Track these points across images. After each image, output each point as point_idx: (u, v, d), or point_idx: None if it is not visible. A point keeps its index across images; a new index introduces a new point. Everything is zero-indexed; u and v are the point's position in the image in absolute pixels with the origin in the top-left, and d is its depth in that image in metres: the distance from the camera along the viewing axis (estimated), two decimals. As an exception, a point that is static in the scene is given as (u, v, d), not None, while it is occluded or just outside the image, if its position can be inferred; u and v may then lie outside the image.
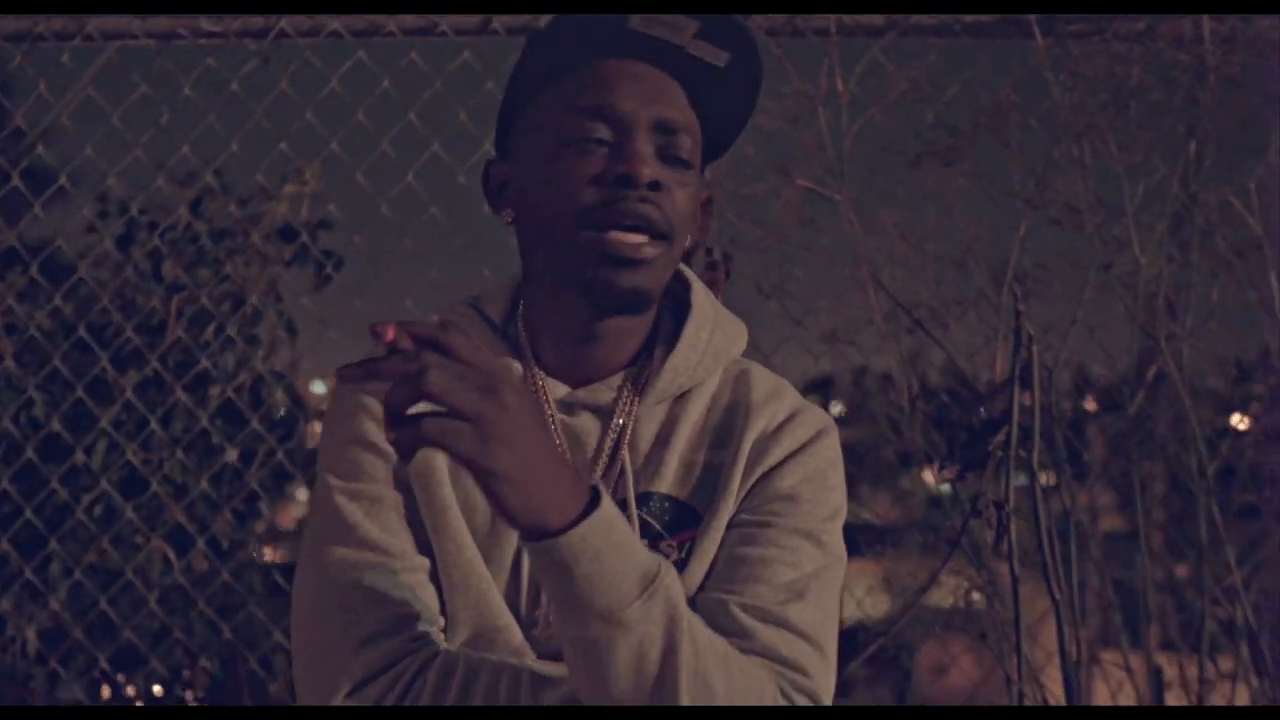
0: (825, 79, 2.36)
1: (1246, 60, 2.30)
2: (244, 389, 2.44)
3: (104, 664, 2.36)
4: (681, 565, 1.19)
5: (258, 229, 2.66)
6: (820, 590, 1.19)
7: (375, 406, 1.18)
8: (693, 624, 1.05)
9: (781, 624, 1.15)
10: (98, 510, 2.38)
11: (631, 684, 1.03)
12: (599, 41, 1.16)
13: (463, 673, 1.11)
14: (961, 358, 2.34)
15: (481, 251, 2.44)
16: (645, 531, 1.19)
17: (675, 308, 1.27)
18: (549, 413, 1.21)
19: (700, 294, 1.27)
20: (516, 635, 1.16)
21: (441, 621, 1.16)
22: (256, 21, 2.42)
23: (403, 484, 1.19)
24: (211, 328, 2.44)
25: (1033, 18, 2.38)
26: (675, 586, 1.04)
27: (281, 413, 2.47)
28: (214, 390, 2.51)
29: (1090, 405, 2.62)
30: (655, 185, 1.13)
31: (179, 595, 2.38)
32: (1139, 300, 2.30)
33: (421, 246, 2.43)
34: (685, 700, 1.04)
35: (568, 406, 1.22)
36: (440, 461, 1.17)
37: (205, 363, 2.42)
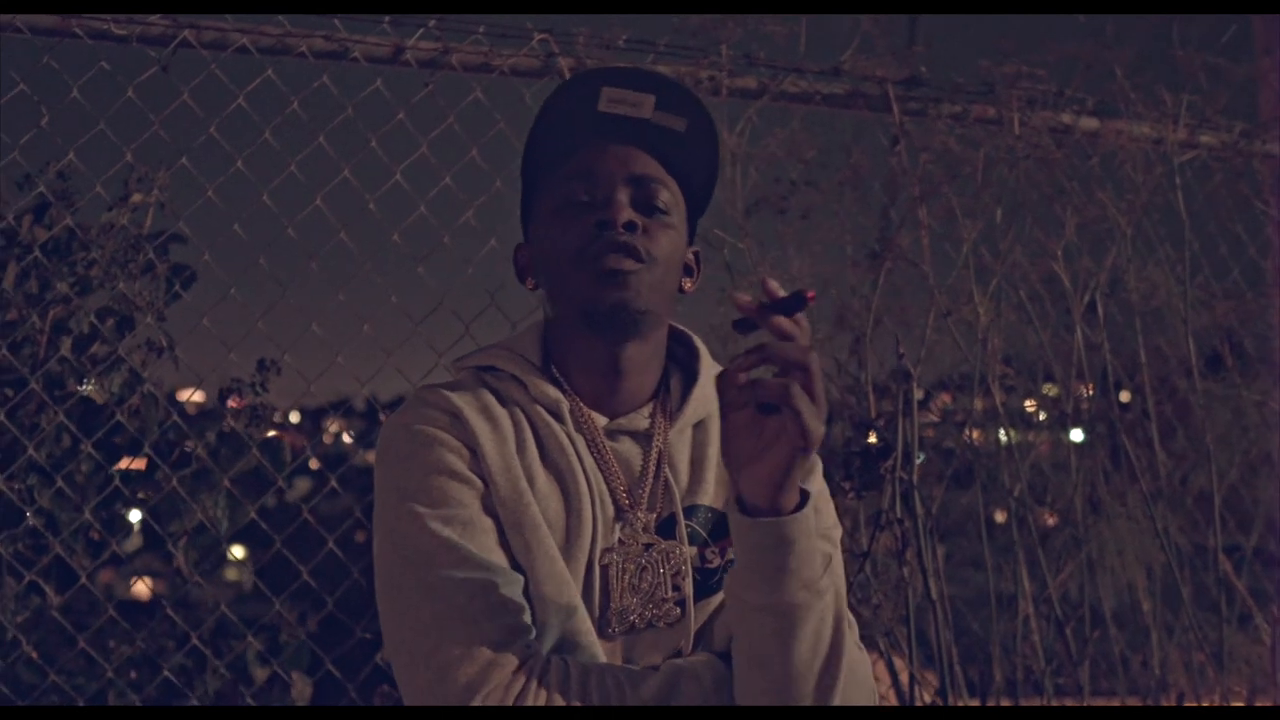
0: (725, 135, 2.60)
1: (1048, 149, 2.77)
2: (133, 412, 2.30)
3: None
4: (732, 565, 1.39)
5: (115, 240, 2.52)
6: (843, 583, 1.41)
7: (450, 440, 1.33)
8: (845, 603, 1.30)
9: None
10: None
11: (811, 647, 1.24)
12: (578, 130, 1.40)
13: (577, 676, 1.27)
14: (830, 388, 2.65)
15: (388, 278, 2.46)
16: (693, 539, 1.39)
17: (679, 358, 1.50)
18: (599, 440, 1.40)
19: (702, 344, 1.51)
20: (593, 637, 1.32)
21: (534, 631, 1.30)
22: (157, 29, 2.32)
23: (489, 510, 1.32)
24: (96, 346, 2.29)
25: (891, 92, 2.74)
26: (835, 560, 1.31)
27: (169, 435, 2.36)
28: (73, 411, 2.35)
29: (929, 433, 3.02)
30: (631, 226, 1.36)
31: (57, 634, 2.20)
32: (969, 343, 2.70)
33: (329, 270, 2.41)
34: (846, 661, 1.27)
35: (612, 434, 1.41)
36: (525, 486, 1.33)
37: (90, 385, 2.26)
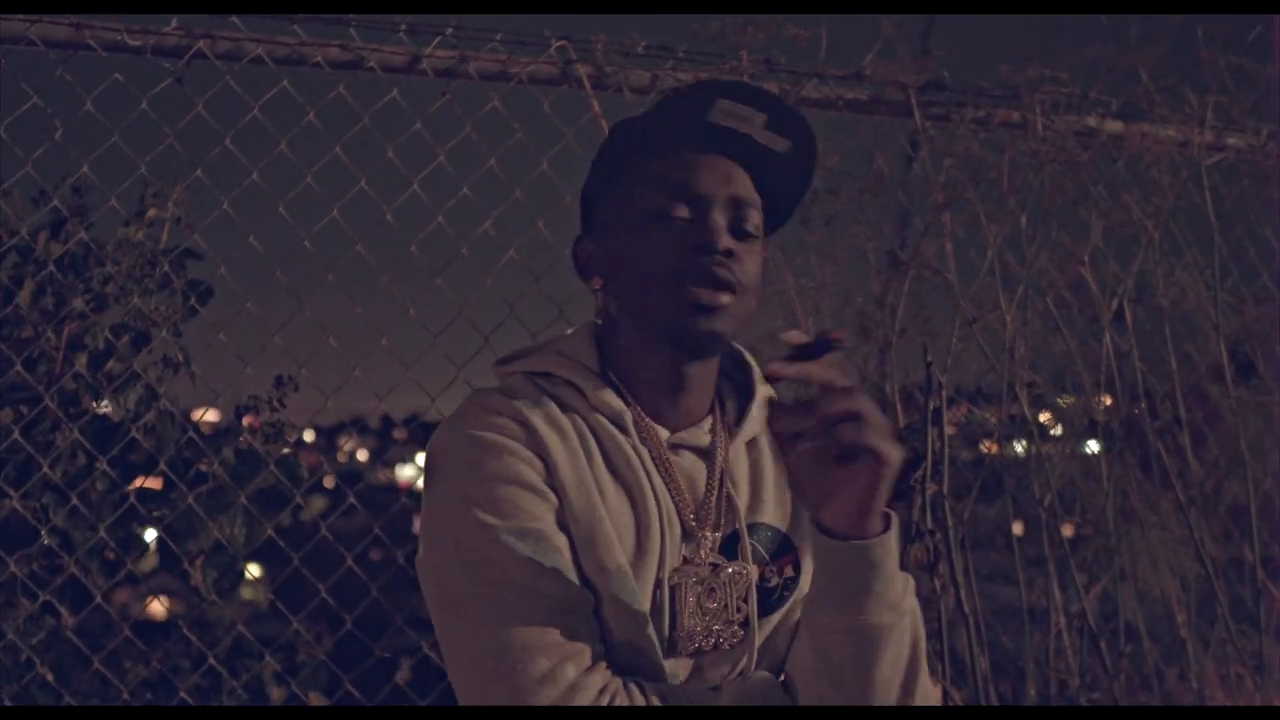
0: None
1: (1074, 154, 2.73)
2: (148, 429, 2.26)
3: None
4: (794, 581, 1.38)
5: (131, 256, 2.48)
6: (918, 606, 1.41)
7: (521, 450, 1.28)
8: (920, 614, 1.28)
9: None
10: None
11: (891, 667, 1.22)
12: (682, 134, 1.35)
13: (654, 697, 1.24)
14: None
15: (405, 290, 2.42)
16: (755, 558, 1.36)
17: (727, 371, 1.47)
18: (664, 453, 1.36)
19: (750, 357, 1.48)
20: (659, 656, 1.28)
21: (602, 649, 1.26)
22: (171, 40, 2.29)
23: (562, 526, 1.28)
24: (112, 362, 2.25)
25: (913, 97, 2.70)
26: (913, 584, 1.27)
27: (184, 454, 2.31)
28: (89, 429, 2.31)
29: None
30: (729, 253, 1.31)
31: (72, 655, 2.16)
32: (1000, 351, 2.65)
33: (345, 283, 2.37)
34: (922, 681, 1.25)
35: (674, 448, 1.37)
36: (599, 499, 1.28)
37: (108, 403, 2.22)
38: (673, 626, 1.31)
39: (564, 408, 1.34)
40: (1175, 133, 2.89)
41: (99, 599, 2.24)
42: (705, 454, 1.38)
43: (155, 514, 2.48)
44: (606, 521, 1.27)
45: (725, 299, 1.29)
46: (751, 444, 1.42)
